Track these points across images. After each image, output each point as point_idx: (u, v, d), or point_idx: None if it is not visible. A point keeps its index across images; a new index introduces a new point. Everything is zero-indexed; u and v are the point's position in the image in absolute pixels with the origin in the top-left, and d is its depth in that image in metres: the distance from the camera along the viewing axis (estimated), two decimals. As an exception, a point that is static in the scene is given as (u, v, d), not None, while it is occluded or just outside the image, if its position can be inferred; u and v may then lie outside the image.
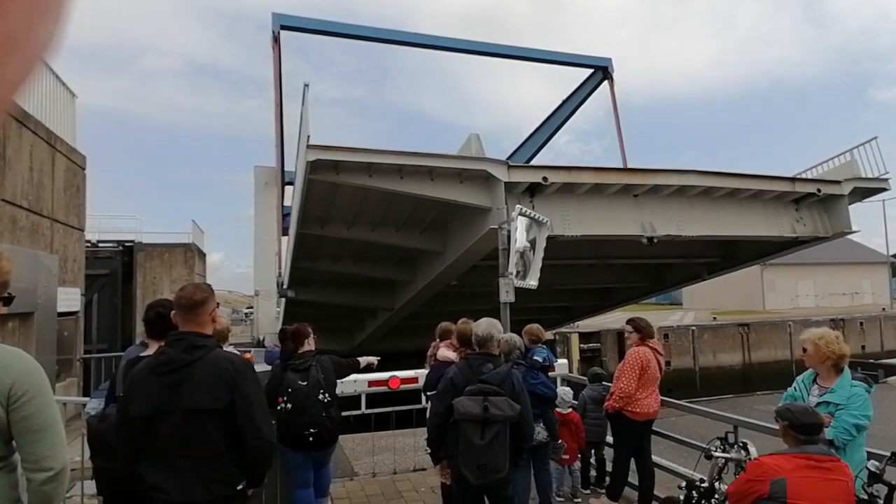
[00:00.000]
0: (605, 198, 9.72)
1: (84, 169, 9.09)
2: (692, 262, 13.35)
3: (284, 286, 13.01)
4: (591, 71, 17.19)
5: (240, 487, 2.34)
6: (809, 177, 11.94)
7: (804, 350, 3.41)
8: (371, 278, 12.93)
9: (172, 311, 2.45)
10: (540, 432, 4.46)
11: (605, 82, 17.27)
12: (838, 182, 10.91)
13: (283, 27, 14.71)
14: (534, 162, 18.40)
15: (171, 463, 2.25)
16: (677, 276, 14.76)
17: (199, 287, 2.52)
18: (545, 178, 8.79)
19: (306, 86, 9.05)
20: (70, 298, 8.22)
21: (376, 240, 10.65)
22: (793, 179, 11.12)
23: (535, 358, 4.72)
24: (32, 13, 0.32)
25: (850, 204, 11.16)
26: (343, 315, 15.09)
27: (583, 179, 9.32)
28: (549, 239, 9.15)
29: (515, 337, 4.58)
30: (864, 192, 11.45)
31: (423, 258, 11.65)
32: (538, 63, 17.04)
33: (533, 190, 9.01)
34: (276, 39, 14.61)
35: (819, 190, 10.75)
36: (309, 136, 7.84)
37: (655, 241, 9.76)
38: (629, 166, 15.05)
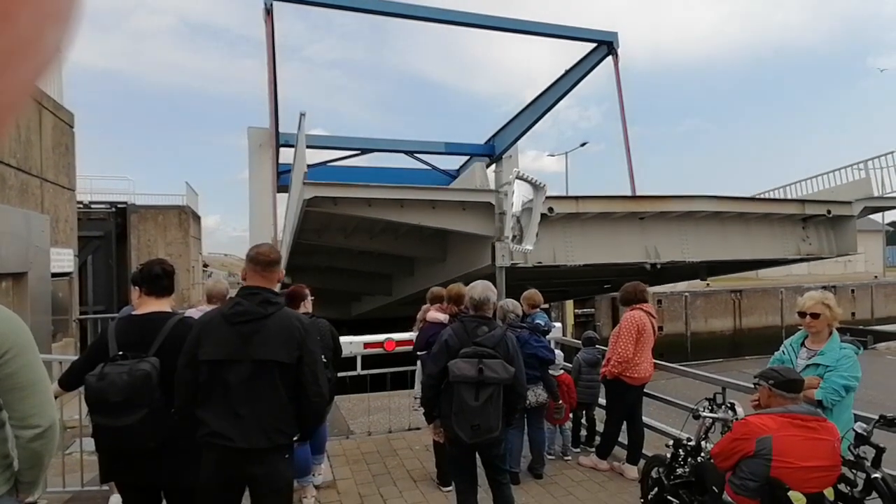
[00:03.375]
0: (610, 222, 9.58)
1: (72, 127, 8.89)
2: (694, 265, 13.43)
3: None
4: (594, 45, 16.54)
5: (295, 439, 2.51)
6: (821, 190, 11.84)
7: (814, 316, 3.26)
8: (370, 272, 12.92)
9: (242, 268, 2.60)
10: (540, 394, 4.56)
11: (610, 58, 16.62)
12: (849, 203, 10.82)
13: None
14: (531, 132, 18.12)
15: (234, 410, 2.35)
16: (677, 274, 14.82)
17: (274, 248, 2.66)
18: (551, 209, 8.66)
19: (302, 115, 8.87)
20: (63, 259, 8.18)
21: (375, 248, 10.60)
22: (803, 201, 11.05)
23: (538, 322, 4.85)
24: (42, 17, 0.31)
25: (857, 219, 11.12)
26: (341, 292, 15.16)
27: (589, 209, 9.20)
28: (553, 268, 9.13)
29: (510, 301, 4.62)
30: (874, 210, 11.39)
31: (423, 260, 11.59)
32: (542, 37, 16.39)
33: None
34: (269, 12, 14.03)
35: (829, 211, 10.67)
36: (305, 173, 7.69)
37: (659, 266, 9.76)
38: (636, 192, 14.81)
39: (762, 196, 13.44)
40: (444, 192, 8.66)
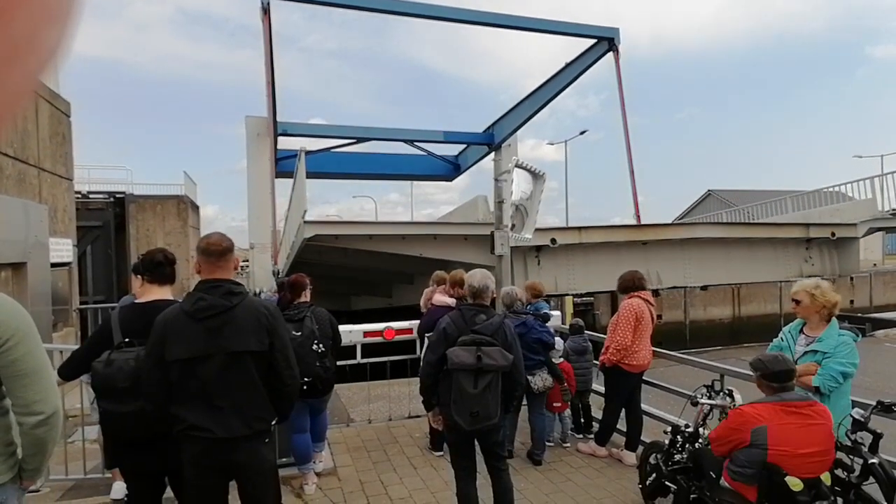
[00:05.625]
0: (613, 248, 9.60)
1: (69, 116, 8.84)
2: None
3: (281, 275, 13.06)
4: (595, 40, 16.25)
5: (273, 423, 2.53)
6: (826, 207, 11.90)
7: (797, 302, 3.39)
8: (370, 280, 12.97)
9: (194, 259, 2.49)
10: (546, 378, 4.65)
11: (610, 55, 16.35)
12: (853, 224, 10.87)
13: None
14: (530, 120, 17.99)
15: (212, 403, 2.36)
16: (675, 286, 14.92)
17: (224, 236, 2.60)
18: (553, 241, 8.75)
19: (302, 151, 8.87)
20: (62, 249, 8.17)
21: (377, 266, 10.62)
22: (807, 225, 11.13)
23: (544, 311, 5.06)
24: (39, 18, 0.29)
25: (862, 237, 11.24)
26: (342, 289, 15.23)
27: (592, 239, 9.27)
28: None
29: (515, 289, 4.77)
30: (878, 229, 11.48)
31: (424, 273, 11.62)
32: (543, 34, 16.16)
33: (539, 246, 8.92)
34: (266, 11, 13.85)
35: (833, 234, 10.73)
36: (305, 211, 7.72)
37: (661, 292, 9.83)
38: (640, 215, 14.78)
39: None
40: (446, 227, 8.76)
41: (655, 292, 9.88)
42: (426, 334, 4.89)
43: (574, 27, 15.88)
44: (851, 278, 26.82)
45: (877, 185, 11.39)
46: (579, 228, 9.40)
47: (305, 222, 7.69)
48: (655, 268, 9.95)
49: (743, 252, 10.70)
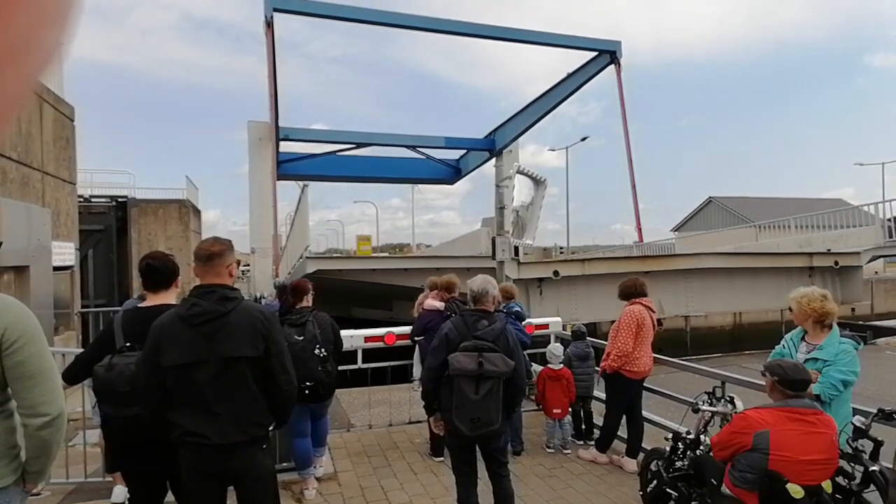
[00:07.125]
0: (615, 277, 9.70)
1: (73, 120, 8.87)
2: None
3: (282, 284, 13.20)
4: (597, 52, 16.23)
5: (270, 428, 2.51)
6: (829, 232, 11.99)
7: (790, 310, 3.50)
8: (372, 294, 13.11)
9: (192, 264, 2.54)
10: None
11: (612, 67, 16.31)
12: (857, 253, 10.98)
13: (277, 10, 13.92)
14: (532, 130, 18.05)
15: (207, 409, 2.35)
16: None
17: (218, 240, 2.58)
18: (556, 273, 8.90)
19: (305, 185, 9.02)
20: (65, 253, 8.19)
21: (377, 288, 10.70)
22: (811, 254, 11.27)
23: (517, 309, 5.34)
24: (37, 20, 0.30)
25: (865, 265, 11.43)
26: (343, 299, 15.36)
27: (595, 270, 9.40)
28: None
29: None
30: (882, 256, 11.60)
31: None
32: (544, 46, 16.17)
33: (542, 278, 9.04)
34: (269, 24, 13.87)
35: (836, 262, 10.85)
36: (308, 247, 7.83)
37: (663, 322, 9.98)
38: (642, 228, 14.90)
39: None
40: (449, 260, 8.86)
41: (659, 322, 10.04)
42: (416, 338, 5.09)
43: (576, 40, 15.87)
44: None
45: (880, 210, 11.49)
46: (583, 260, 9.58)
47: (308, 257, 7.81)
48: (658, 297, 10.05)
49: (746, 281, 10.86)
